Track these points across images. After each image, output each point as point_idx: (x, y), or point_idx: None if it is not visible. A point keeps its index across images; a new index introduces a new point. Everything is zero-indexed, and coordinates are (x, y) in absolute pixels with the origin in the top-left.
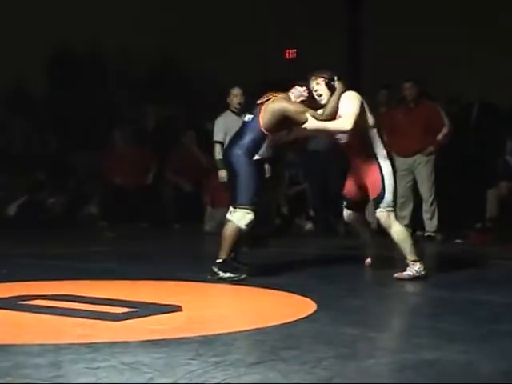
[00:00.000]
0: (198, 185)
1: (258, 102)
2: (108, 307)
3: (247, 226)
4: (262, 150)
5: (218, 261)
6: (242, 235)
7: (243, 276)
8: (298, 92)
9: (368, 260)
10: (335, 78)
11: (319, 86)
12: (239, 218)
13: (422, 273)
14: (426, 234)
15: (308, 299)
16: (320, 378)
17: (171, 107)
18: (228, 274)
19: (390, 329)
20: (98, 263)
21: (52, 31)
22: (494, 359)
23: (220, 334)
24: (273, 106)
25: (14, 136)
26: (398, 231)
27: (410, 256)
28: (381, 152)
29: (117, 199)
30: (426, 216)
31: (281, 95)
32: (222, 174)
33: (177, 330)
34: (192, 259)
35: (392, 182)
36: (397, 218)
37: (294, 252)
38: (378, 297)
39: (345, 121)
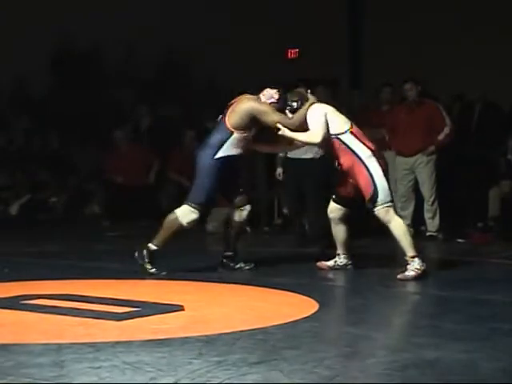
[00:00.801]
0: None
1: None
2: (110, 307)
3: (188, 224)
4: (226, 148)
5: (150, 245)
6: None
7: (163, 273)
8: (268, 94)
9: (327, 263)
10: (308, 95)
11: (293, 103)
12: (184, 213)
13: (423, 268)
14: (428, 234)
15: (310, 299)
16: (322, 378)
17: (173, 107)
18: (153, 269)
19: (392, 328)
20: (99, 262)
21: (55, 31)
22: (495, 358)
23: (222, 334)
24: (241, 105)
25: (16, 135)
26: (397, 225)
27: (409, 251)
28: (363, 152)
29: (119, 198)
30: (427, 215)
31: (250, 96)
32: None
33: (179, 329)
34: (194, 259)
35: (383, 178)
36: (396, 212)
37: (295, 251)
38: (379, 296)
39: (314, 134)
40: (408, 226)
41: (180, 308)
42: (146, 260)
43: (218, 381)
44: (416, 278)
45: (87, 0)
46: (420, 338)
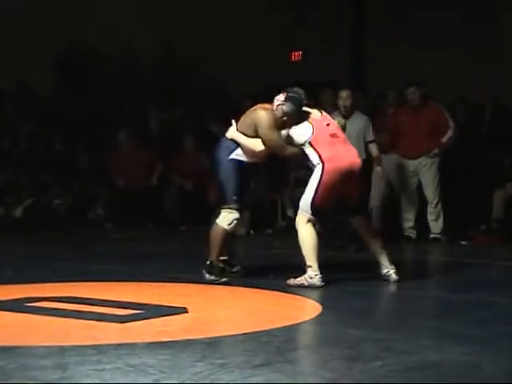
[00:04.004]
0: (203, 186)
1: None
2: (113, 309)
3: (229, 225)
4: (237, 153)
5: (207, 262)
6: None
7: (223, 279)
8: (277, 98)
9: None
10: None
11: None
12: (222, 217)
13: (314, 282)
14: (432, 236)
15: (313, 301)
16: (325, 380)
17: (176, 109)
18: (212, 277)
19: (395, 330)
20: (103, 265)
21: (58, 31)
22: (499, 360)
23: (225, 336)
24: (251, 114)
25: (20, 137)
26: (303, 235)
27: (308, 260)
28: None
29: (122, 200)
30: (430, 218)
31: (263, 106)
32: None
33: (182, 331)
34: (198, 261)
35: (311, 191)
36: (308, 222)
37: (298, 254)
38: (382, 298)
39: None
40: (411, 228)
41: (183, 310)
42: (207, 275)
43: (222, 383)
44: (300, 287)
45: (88, 0)
46: (423, 340)
